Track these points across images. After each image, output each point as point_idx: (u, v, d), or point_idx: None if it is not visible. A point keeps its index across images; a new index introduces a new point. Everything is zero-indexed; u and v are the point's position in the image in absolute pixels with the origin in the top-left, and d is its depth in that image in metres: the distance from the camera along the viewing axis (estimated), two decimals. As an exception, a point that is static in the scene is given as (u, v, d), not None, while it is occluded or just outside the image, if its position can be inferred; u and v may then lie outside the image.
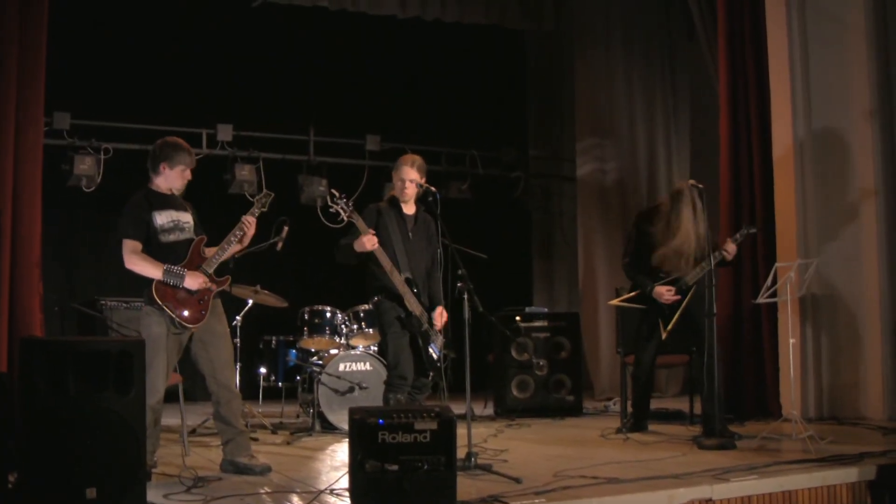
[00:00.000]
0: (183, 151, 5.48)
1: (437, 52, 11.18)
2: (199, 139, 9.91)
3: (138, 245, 5.27)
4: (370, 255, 5.86)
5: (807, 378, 7.50)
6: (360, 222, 5.74)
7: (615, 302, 7.28)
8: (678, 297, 6.68)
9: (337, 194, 5.76)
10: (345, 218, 5.77)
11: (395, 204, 6.12)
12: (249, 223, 5.49)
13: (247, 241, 5.56)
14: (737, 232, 6.90)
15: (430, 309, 6.07)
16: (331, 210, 5.80)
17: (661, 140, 10.74)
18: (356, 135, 10.77)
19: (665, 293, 6.70)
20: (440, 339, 5.97)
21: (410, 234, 6.08)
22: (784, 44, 7.73)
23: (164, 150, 5.46)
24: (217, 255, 5.42)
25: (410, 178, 6.03)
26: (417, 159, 6.11)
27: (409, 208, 6.16)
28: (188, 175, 5.52)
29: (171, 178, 5.47)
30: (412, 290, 5.92)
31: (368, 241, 5.73)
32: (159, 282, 5.23)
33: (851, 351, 7.49)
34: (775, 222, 7.75)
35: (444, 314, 6.08)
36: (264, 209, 5.66)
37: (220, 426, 5.49)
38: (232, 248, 5.49)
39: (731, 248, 6.69)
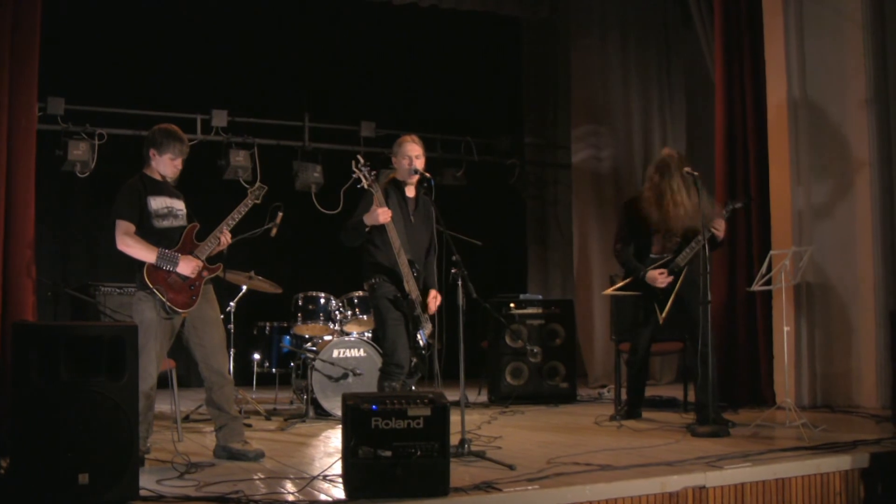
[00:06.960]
0: (174, 140, 5.44)
1: (433, 38, 11.16)
2: (194, 125, 9.90)
3: (132, 227, 5.27)
4: (373, 233, 5.82)
5: (801, 366, 7.50)
6: (378, 193, 5.70)
7: (609, 292, 7.25)
8: (671, 279, 6.67)
9: (362, 160, 5.73)
10: (366, 185, 5.72)
11: (398, 186, 6.07)
12: (225, 238, 5.49)
13: (225, 241, 5.54)
14: (723, 209, 6.84)
15: (423, 292, 6.04)
16: (353, 175, 5.75)
17: (657, 127, 10.73)
18: (351, 121, 10.75)
19: (658, 277, 6.68)
20: (429, 327, 5.94)
21: (412, 216, 6.04)
22: (780, 30, 7.71)
23: (155, 137, 5.45)
24: (204, 248, 5.42)
25: (416, 154, 5.99)
26: (415, 136, 6.09)
27: (411, 191, 6.11)
28: (178, 164, 5.49)
29: (161, 165, 5.46)
30: (413, 273, 5.88)
31: (383, 214, 5.67)
32: (151, 265, 5.23)
33: (845, 339, 7.50)
34: (770, 209, 7.75)
35: (438, 297, 6.05)
36: (258, 201, 5.68)
37: (213, 412, 5.49)
38: (213, 246, 5.47)
39: (720, 224, 6.62)
